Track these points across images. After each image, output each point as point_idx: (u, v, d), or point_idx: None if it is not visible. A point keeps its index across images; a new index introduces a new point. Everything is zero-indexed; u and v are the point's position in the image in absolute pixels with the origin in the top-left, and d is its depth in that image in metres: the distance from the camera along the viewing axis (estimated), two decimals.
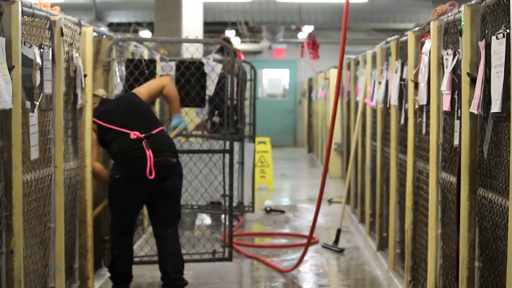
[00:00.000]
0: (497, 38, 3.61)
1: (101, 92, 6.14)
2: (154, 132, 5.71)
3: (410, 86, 5.65)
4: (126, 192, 5.68)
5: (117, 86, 6.63)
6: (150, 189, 5.66)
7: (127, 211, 5.78)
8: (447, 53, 4.62)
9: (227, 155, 6.99)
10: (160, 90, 6.11)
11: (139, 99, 5.95)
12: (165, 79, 6.17)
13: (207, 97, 7.26)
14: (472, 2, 4.13)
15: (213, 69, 7.18)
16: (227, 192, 7.00)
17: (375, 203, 7.54)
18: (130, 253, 5.93)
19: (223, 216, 8.37)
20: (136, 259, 6.63)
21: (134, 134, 5.65)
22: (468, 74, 4.08)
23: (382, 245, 7.20)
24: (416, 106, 5.52)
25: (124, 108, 5.86)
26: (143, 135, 5.66)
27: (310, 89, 20.48)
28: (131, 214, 5.82)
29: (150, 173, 5.57)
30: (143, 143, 5.63)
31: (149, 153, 5.60)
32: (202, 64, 7.02)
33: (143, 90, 6.04)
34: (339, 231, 8.22)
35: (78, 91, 5.39)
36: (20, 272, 4.00)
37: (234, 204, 9.30)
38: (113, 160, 5.75)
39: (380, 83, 7.11)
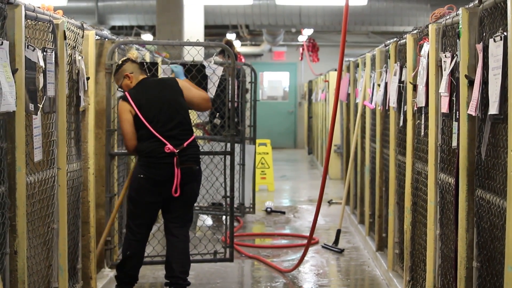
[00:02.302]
0: (494, 40, 3.64)
1: (135, 54, 6.10)
2: (185, 144, 5.74)
3: (409, 88, 5.69)
4: (148, 191, 5.75)
5: (119, 89, 6.67)
6: (170, 192, 5.73)
7: (146, 211, 5.84)
8: (445, 55, 4.66)
9: (228, 157, 7.04)
10: (198, 106, 6.06)
11: (183, 100, 5.87)
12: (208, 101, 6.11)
13: None
14: (470, 5, 4.17)
15: (214, 72, 7.22)
16: (228, 193, 7.04)
17: (374, 204, 7.58)
18: (141, 256, 5.98)
19: (224, 217, 8.41)
20: None
21: (168, 148, 5.67)
22: (466, 76, 4.12)
23: (382, 246, 7.24)
24: (415, 108, 5.56)
25: (166, 108, 5.78)
26: (177, 150, 5.68)
27: (310, 91, 20.51)
28: (149, 213, 5.87)
29: (176, 191, 5.69)
30: (175, 159, 5.68)
31: (177, 172, 5.67)
32: (203, 66, 7.08)
33: (189, 94, 5.93)
34: (338, 232, 8.26)
35: (81, 94, 5.43)
36: (24, 272, 4.04)
37: (235, 205, 9.33)
38: (140, 156, 5.78)
39: (379, 85, 7.15)
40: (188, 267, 5.94)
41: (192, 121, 9.59)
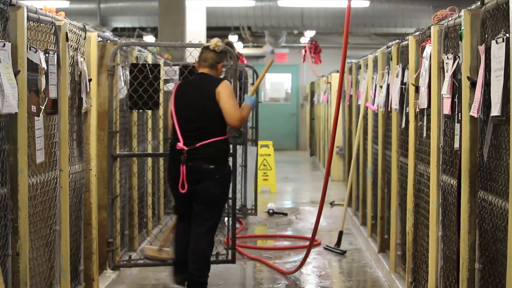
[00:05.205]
0: (496, 42, 3.65)
1: (213, 42, 6.00)
2: (198, 145, 5.79)
3: (411, 90, 5.69)
4: (169, 181, 6.09)
5: (122, 91, 6.68)
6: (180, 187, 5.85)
7: (175, 198, 6.10)
8: (447, 57, 4.66)
9: (230, 158, 7.02)
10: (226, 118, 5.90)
11: (212, 106, 5.83)
12: (241, 116, 5.94)
13: None
14: (472, 7, 4.17)
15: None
16: (230, 195, 7.03)
17: (376, 206, 7.58)
18: (183, 241, 6.05)
19: (226, 218, 8.40)
20: (140, 262, 6.68)
21: (178, 146, 5.81)
22: (468, 78, 4.12)
23: (384, 247, 7.24)
24: (417, 110, 5.56)
25: (193, 106, 5.87)
26: (187, 148, 5.77)
27: (312, 93, 20.51)
28: (177, 201, 6.07)
29: (183, 187, 5.80)
30: (182, 157, 5.78)
31: (182, 169, 5.78)
32: None
33: (222, 105, 5.82)
34: (341, 234, 8.26)
35: (83, 95, 5.43)
36: (26, 274, 4.05)
37: (237, 207, 9.33)
38: None
39: (381, 87, 7.15)
40: (204, 265, 5.92)
41: None
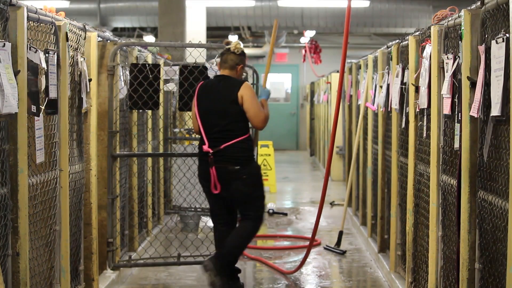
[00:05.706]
0: (496, 42, 3.64)
1: (233, 45, 6.08)
2: (223, 146, 5.87)
3: (411, 90, 5.69)
4: (201, 182, 6.11)
5: (122, 91, 6.68)
6: (211, 188, 5.93)
7: (209, 200, 6.15)
8: (447, 57, 4.66)
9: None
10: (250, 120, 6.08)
11: (233, 108, 5.95)
12: (266, 116, 6.26)
13: None
14: (472, 7, 4.17)
15: (216, 73, 7.20)
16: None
17: (376, 206, 7.58)
18: (220, 247, 6.09)
19: None
20: (140, 261, 6.68)
21: (204, 149, 5.91)
22: (468, 78, 4.12)
23: (384, 247, 7.24)
24: (417, 110, 5.56)
25: (216, 110, 5.96)
26: (213, 150, 5.86)
27: (312, 93, 20.51)
28: (213, 204, 6.12)
29: (215, 188, 5.90)
30: (209, 159, 5.87)
31: (212, 171, 5.87)
32: (205, 68, 7.08)
33: (246, 106, 6.00)
34: (341, 233, 8.25)
35: (83, 95, 5.43)
36: (26, 274, 4.05)
37: None
38: None
39: (381, 87, 7.15)
40: (226, 249, 5.98)
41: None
